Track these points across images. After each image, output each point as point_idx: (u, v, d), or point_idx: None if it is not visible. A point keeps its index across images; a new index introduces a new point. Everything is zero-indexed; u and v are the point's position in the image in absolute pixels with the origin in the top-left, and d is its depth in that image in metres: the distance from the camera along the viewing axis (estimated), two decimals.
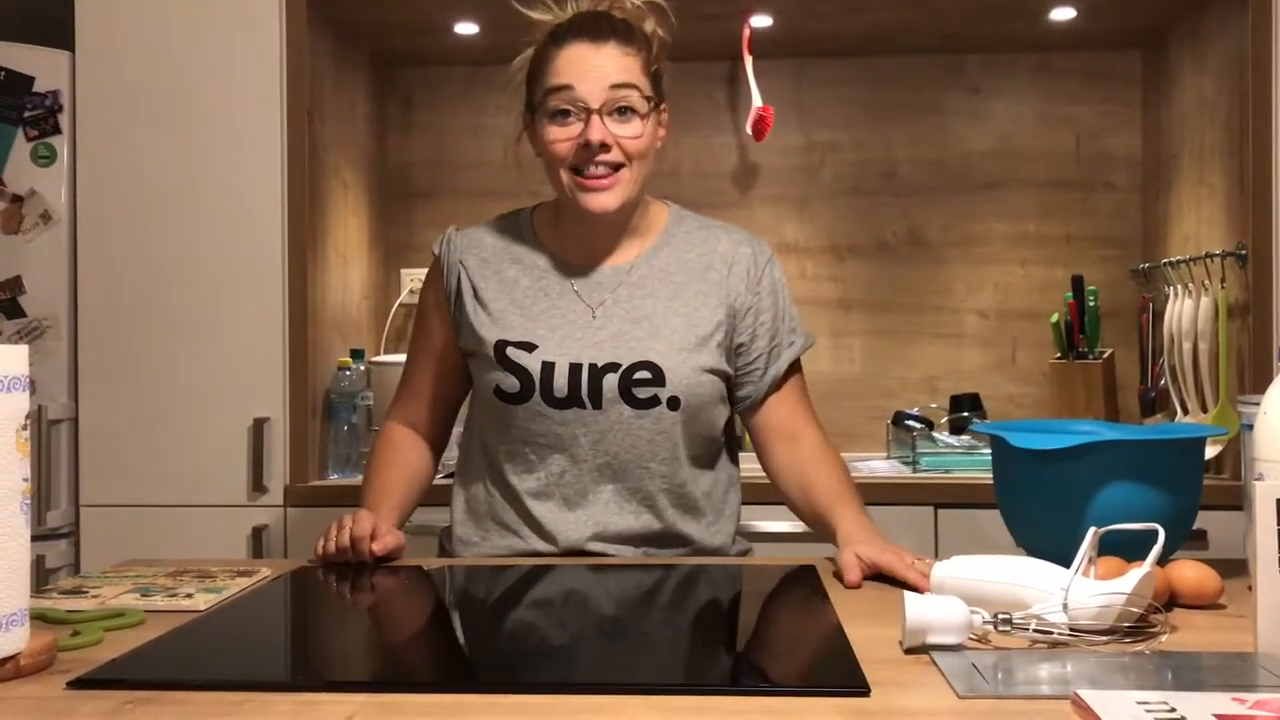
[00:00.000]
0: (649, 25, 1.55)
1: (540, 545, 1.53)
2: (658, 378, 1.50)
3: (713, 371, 1.54)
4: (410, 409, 1.67)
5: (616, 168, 1.49)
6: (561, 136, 1.48)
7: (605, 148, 1.47)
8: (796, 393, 1.62)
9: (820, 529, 1.51)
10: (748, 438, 1.66)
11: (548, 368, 1.50)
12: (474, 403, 1.65)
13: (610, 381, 1.50)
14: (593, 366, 1.50)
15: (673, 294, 1.56)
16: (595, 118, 1.47)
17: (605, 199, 1.49)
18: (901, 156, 2.92)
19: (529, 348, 1.52)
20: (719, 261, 1.58)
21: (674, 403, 1.51)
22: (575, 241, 1.58)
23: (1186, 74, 2.60)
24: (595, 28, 1.50)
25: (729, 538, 1.61)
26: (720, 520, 1.60)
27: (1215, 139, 2.44)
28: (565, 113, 1.48)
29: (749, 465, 1.68)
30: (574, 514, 1.53)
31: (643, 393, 1.50)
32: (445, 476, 1.82)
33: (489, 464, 1.59)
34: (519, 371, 1.51)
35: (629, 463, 1.52)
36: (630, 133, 1.49)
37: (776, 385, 1.60)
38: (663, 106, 1.55)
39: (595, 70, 1.47)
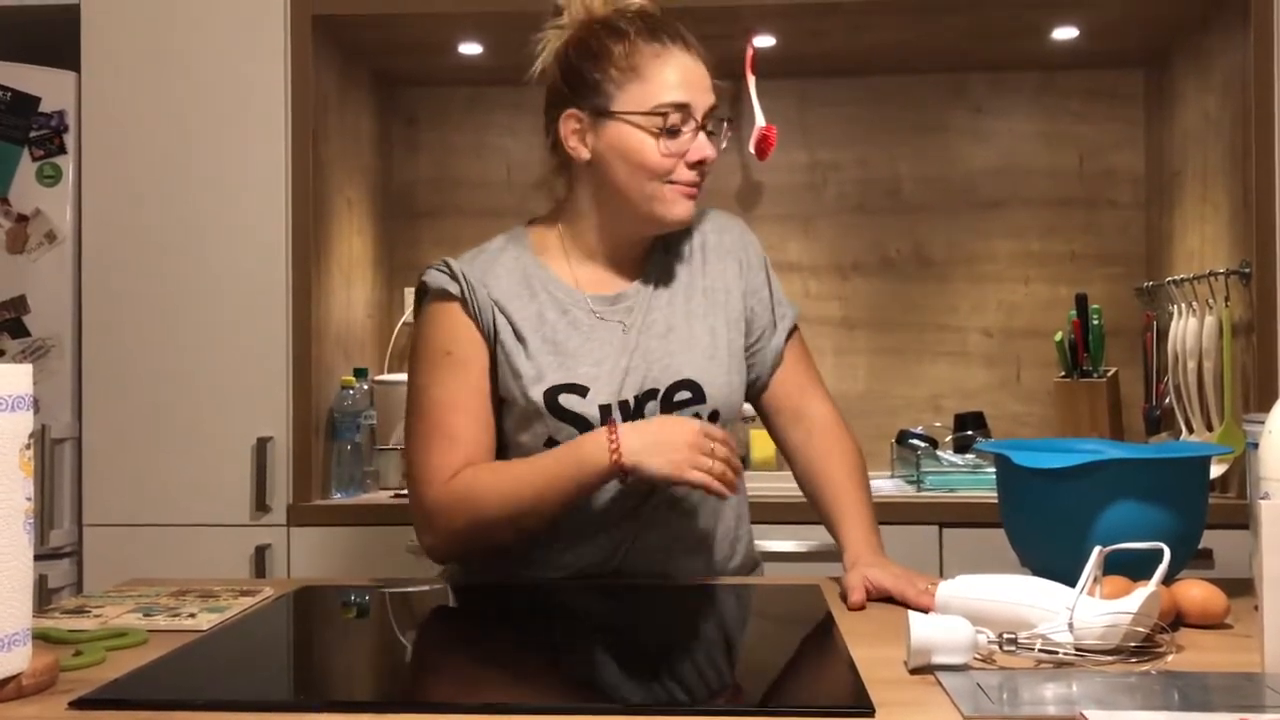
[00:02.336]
0: None
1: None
2: (697, 395, 1.46)
3: (739, 375, 1.52)
4: (470, 455, 1.43)
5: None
6: (673, 151, 1.42)
7: (703, 165, 1.45)
8: (798, 362, 1.59)
9: (829, 532, 1.49)
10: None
11: (605, 411, 1.42)
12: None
13: (651, 410, 1.45)
14: (636, 398, 1.44)
15: (685, 296, 1.52)
16: (705, 135, 1.44)
17: (689, 209, 1.46)
18: (905, 175, 2.93)
19: (581, 391, 1.43)
20: (711, 253, 1.55)
21: (714, 417, 1.47)
22: (590, 267, 1.51)
23: (1189, 92, 2.60)
24: (686, 37, 1.46)
25: (742, 555, 1.55)
26: (727, 544, 1.53)
27: (1218, 157, 2.44)
28: (675, 127, 1.42)
29: (752, 485, 1.67)
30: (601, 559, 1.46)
31: (685, 413, 1.45)
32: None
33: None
34: (576, 421, 1.42)
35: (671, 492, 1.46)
36: (715, 152, 1.46)
37: (779, 359, 1.57)
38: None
39: (701, 84, 1.44)
